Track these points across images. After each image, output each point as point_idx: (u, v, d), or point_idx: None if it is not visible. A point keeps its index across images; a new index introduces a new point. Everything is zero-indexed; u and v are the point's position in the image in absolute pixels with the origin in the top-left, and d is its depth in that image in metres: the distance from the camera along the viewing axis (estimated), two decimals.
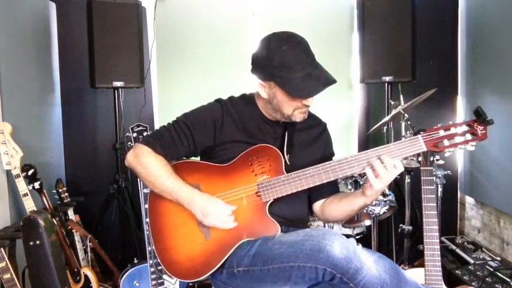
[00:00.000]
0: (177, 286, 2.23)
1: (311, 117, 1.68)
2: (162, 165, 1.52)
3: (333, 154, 1.70)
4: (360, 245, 1.33)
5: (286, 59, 1.42)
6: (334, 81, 1.43)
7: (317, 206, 1.66)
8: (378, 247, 2.44)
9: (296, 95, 1.43)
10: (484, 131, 1.37)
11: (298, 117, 1.53)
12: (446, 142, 1.39)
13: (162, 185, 1.50)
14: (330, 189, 1.62)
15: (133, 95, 3.10)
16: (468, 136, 1.38)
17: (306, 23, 3.18)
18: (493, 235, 2.91)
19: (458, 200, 3.34)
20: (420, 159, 1.62)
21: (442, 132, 1.39)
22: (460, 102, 3.26)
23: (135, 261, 2.39)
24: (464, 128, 1.38)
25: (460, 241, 3.00)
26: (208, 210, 1.45)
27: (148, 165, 1.52)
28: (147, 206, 2.06)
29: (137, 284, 2.28)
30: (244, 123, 1.57)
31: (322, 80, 1.42)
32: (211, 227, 1.47)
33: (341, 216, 1.61)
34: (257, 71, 1.50)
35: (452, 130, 1.39)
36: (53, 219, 2.25)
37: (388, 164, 1.35)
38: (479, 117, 1.36)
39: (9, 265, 1.88)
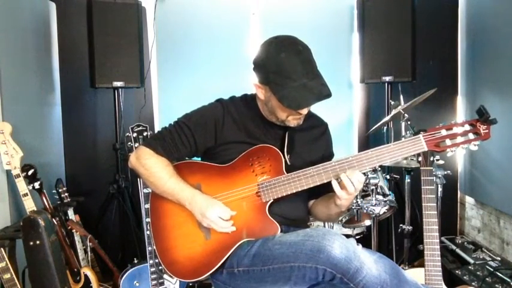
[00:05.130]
0: (177, 286, 2.23)
1: (312, 117, 1.68)
2: (164, 166, 1.52)
3: (332, 155, 1.70)
4: (360, 245, 1.33)
5: (282, 67, 1.40)
6: (327, 96, 1.40)
7: (309, 204, 1.69)
8: (378, 247, 2.44)
9: (286, 105, 1.42)
10: (487, 131, 1.36)
11: (293, 123, 1.52)
12: (448, 142, 1.38)
13: (163, 186, 1.51)
14: (322, 190, 1.60)
15: (133, 95, 3.10)
16: (471, 135, 1.37)
17: (306, 23, 3.18)
18: (493, 235, 2.91)
19: (458, 200, 3.33)
20: (420, 159, 1.62)
21: (444, 132, 1.38)
22: (460, 102, 3.26)
23: (135, 261, 2.39)
24: (467, 127, 1.37)
25: (460, 241, 3.00)
26: (206, 212, 1.45)
27: (150, 166, 1.52)
28: (147, 206, 2.06)
29: (137, 284, 2.28)
30: (245, 124, 1.57)
31: (315, 92, 1.39)
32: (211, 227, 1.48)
33: (323, 218, 1.74)
34: (256, 73, 1.51)
35: (455, 130, 1.38)
36: (53, 219, 2.25)
37: (352, 176, 1.38)
38: (482, 116, 1.34)
39: (9, 265, 1.88)
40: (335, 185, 1.40)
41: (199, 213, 1.46)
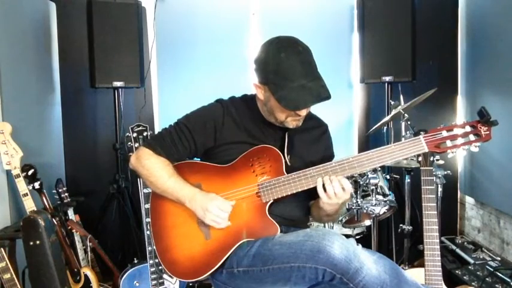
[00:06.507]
0: (177, 286, 2.23)
1: (313, 118, 1.68)
2: (164, 165, 1.53)
3: (333, 156, 1.70)
4: (360, 245, 1.34)
5: (281, 67, 1.40)
6: (326, 98, 1.39)
7: (309, 204, 1.68)
8: (378, 247, 2.44)
9: (284, 105, 1.42)
10: (488, 132, 1.36)
11: (291, 124, 1.52)
12: (449, 143, 1.38)
13: (163, 185, 1.51)
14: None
15: (133, 95, 3.10)
16: (472, 137, 1.37)
17: (306, 23, 3.18)
18: (493, 235, 2.91)
19: (458, 200, 3.34)
20: (420, 159, 1.62)
21: (444, 133, 1.38)
22: (460, 102, 3.26)
23: (135, 261, 2.39)
24: (468, 128, 1.37)
25: (460, 241, 3.00)
26: (208, 205, 1.44)
27: (150, 166, 1.53)
28: (147, 206, 2.07)
29: (137, 284, 2.28)
30: (245, 124, 1.57)
31: (314, 94, 1.39)
32: (211, 227, 1.48)
33: (316, 219, 1.73)
34: (256, 72, 1.51)
35: (455, 131, 1.38)
36: (53, 219, 2.25)
37: (335, 183, 1.39)
38: (483, 117, 1.34)
39: (9, 265, 1.88)
40: (319, 186, 1.41)
41: (201, 208, 1.46)
